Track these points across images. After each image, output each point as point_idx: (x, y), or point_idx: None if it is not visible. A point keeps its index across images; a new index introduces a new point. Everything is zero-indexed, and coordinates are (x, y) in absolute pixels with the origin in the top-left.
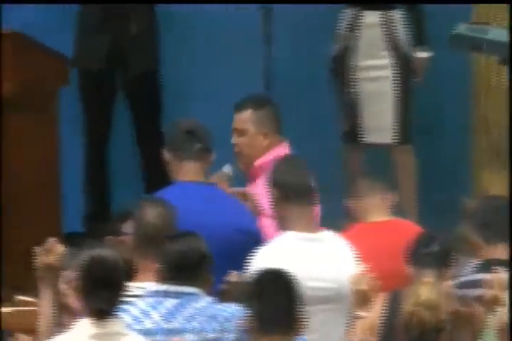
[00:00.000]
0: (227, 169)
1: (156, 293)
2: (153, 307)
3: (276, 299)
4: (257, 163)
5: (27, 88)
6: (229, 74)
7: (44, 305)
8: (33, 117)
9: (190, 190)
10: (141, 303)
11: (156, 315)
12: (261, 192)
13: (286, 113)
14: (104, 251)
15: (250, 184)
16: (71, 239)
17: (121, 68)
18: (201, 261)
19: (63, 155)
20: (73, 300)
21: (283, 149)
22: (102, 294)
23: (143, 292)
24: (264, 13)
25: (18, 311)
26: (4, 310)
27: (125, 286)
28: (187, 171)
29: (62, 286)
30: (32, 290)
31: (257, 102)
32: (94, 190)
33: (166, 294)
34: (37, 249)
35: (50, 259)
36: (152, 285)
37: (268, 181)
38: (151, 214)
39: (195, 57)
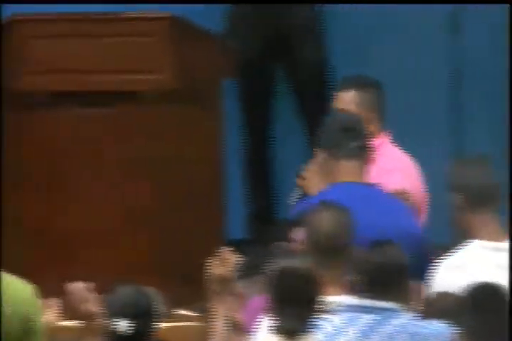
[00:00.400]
0: None
1: (350, 308)
2: (349, 324)
3: (493, 315)
4: None
5: (189, 78)
6: (414, 75)
7: (217, 321)
8: (195, 111)
9: (350, 191)
10: (335, 319)
11: (351, 333)
12: None
13: (478, 113)
14: (295, 262)
15: None
16: (237, 247)
17: (284, 63)
18: (400, 273)
19: (228, 154)
20: (243, 316)
21: (385, 139)
22: (293, 310)
23: (333, 306)
24: (453, 13)
25: (178, 326)
26: (163, 325)
27: (318, 301)
28: (344, 171)
29: (233, 300)
30: (191, 304)
31: (362, 83)
32: (256, 192)
33: (361, 309)
34: (210, 260)
35: (224, 270)
36: (345, 299)
37: (450, 184)
38: (325, 219)
39: (380, 60)
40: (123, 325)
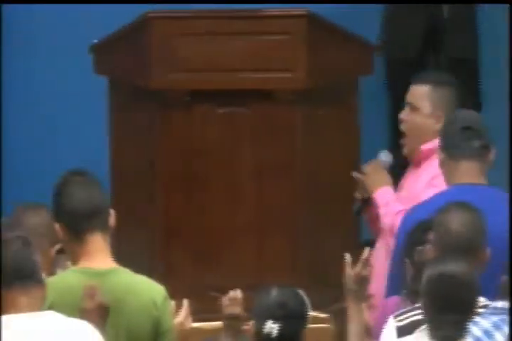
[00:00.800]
0: (384, 157)
1: (500, 311)
2: (497, 328)
3: None
4: (424, 147)
5: (324, 77)
6: None
7: (352, 323)
8: (330, 110)
9: (470, 193)
10: (484, 322)
11: (499, 337)
12: (422, 183)
13: None
14: (453, 267)
15: (411, 171)
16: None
17: (434, 55)
18: None
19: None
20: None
21: None
22: (450, 317)
23: (483, 309)
24: None
25: (312, 328)
26: None
27: (476, 307)
28: (465, 172)
29: (366, 302)
30: (325, 306)
31: (438, 79)
32: None
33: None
34: (348, 260)
35: (363, 271)
36: (498, 302)
37: None
38: (456, 221)
39: None
40: (272, 326)
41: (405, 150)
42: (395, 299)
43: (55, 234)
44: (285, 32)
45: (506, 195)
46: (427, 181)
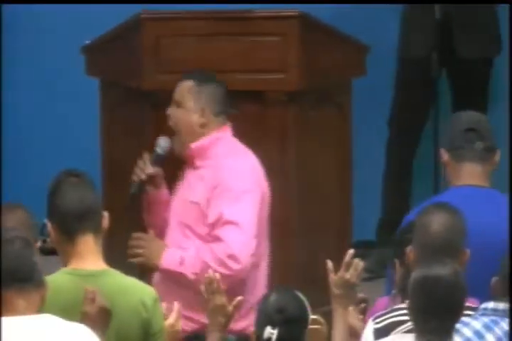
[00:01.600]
0: (163, 143)
1: (490, 312)
2: (488, 329)
3: None
4: (194, 145)
5: (317, 77)
6: None
7: (337, 327)
8: (323, 111)
9: (472, 195)
10: (475, 323)
11: (490, 338)
12: (206, 188)
13: None
14: (439, 269)
15: (189, 171)
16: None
17: (447, 54)
18: None
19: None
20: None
21: (224, 133)
22: (436, 322)
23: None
24: None
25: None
26: None
27: (463, 309)
28: (468, 174)
29: (354, 304)
30: (318, 307)
31: (201, 76)
32: (394, 196)
33: (498, 313)
34: (334, 263)
35: (349, 274)
36: (488, 303)
37: None
38: (436, 222)
39: None
40: (271, 332)
41: (175, 148)
42: (384, 300)
43: (33, 234)
44: (277, 33)
45: (507, 198)
46: (210, 190)
